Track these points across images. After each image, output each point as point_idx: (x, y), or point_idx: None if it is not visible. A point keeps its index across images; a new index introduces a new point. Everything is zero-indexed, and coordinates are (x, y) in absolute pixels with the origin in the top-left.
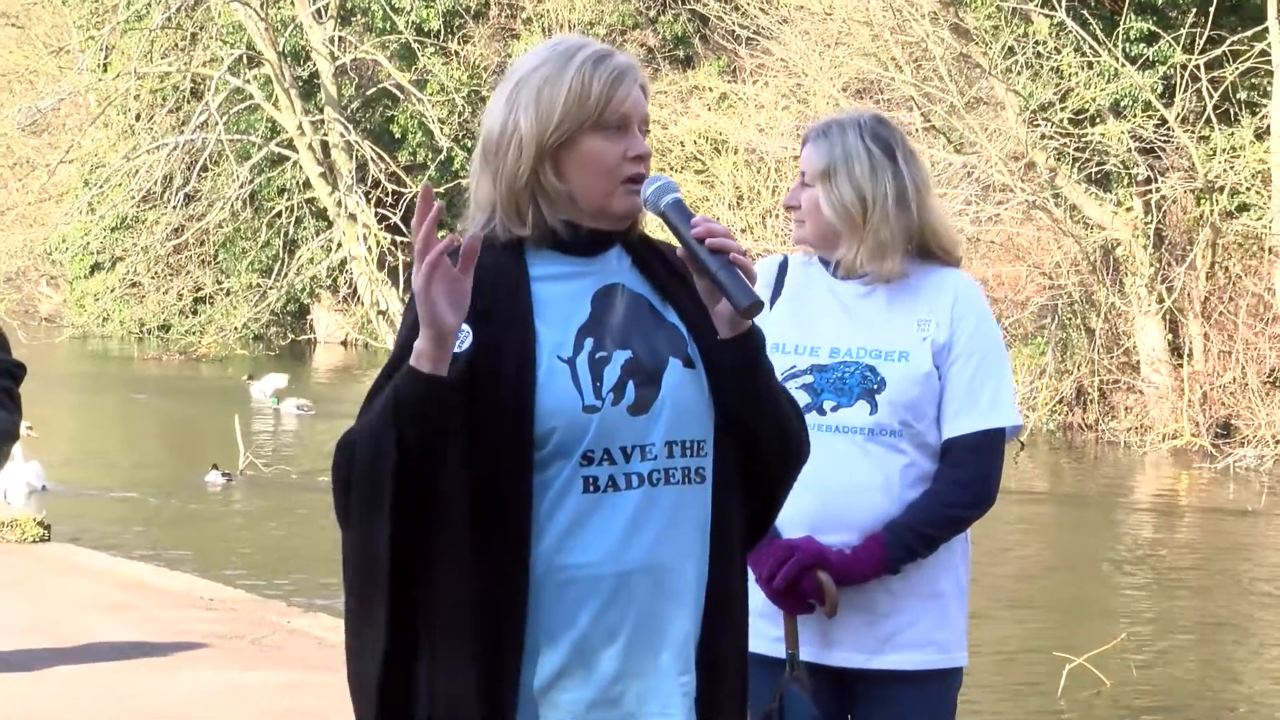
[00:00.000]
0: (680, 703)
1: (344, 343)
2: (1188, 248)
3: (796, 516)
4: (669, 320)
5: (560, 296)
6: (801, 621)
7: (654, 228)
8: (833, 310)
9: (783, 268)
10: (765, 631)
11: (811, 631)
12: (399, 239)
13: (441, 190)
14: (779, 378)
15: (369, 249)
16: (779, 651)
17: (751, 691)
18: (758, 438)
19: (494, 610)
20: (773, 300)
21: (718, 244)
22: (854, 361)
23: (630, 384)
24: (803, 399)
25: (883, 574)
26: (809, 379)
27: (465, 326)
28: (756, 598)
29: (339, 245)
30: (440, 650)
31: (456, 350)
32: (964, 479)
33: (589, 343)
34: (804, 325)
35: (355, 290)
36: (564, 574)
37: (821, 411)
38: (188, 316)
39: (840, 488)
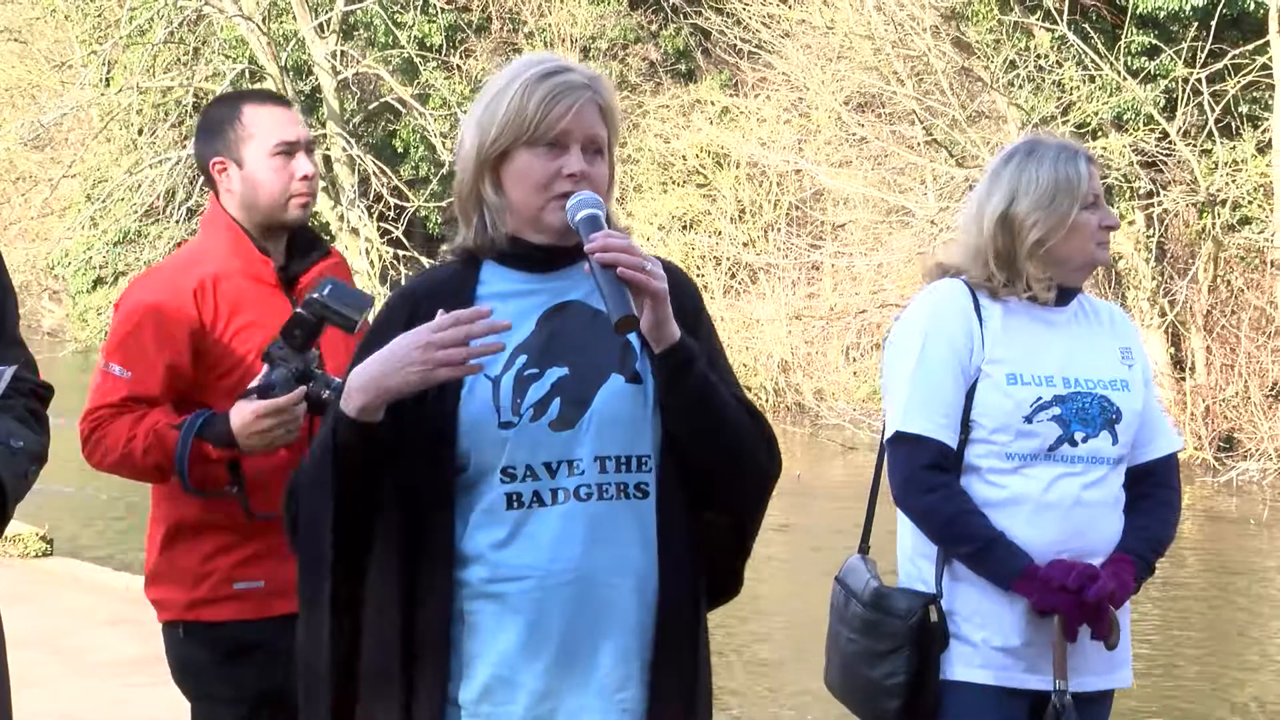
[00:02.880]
0: (623, 719)
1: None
2: (1190, 261)
3: (1053, 542)
4: (627, 337)
5: (505, 314)
6: (1041, 654)
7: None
8: (1045, 338)
9: (973, 291)
10: (1007, 664)
11: (1048, 660)
12: (401, 253)
13: (444, 204)
14: (1027, 411)
15: (371, 263)
16: (1021, 683)
17: None
18: (700, 451)
19: (423, 628)
20: (981, 325)
21: (606, 258)
22: (1088, 392)
23: (557, 400)
24: (1054, 431)
25: (1134, 594)
26: (1056, 410)
27: None
28: (976, 626)
29: None
30: (369, 667)
31: None
32: (1171, 498)
33: (521, 359)
34: (1029, 355)
35: None
36: (489, 589)
37: (1073, 443)
38: None
39: (1090, 515)
